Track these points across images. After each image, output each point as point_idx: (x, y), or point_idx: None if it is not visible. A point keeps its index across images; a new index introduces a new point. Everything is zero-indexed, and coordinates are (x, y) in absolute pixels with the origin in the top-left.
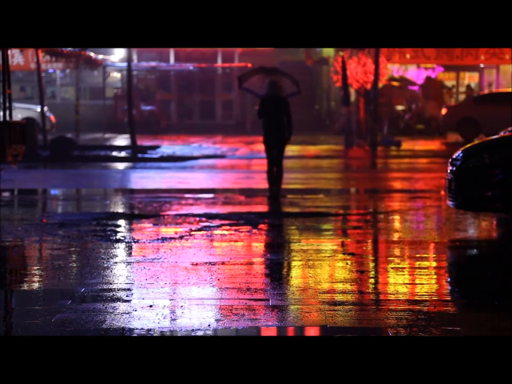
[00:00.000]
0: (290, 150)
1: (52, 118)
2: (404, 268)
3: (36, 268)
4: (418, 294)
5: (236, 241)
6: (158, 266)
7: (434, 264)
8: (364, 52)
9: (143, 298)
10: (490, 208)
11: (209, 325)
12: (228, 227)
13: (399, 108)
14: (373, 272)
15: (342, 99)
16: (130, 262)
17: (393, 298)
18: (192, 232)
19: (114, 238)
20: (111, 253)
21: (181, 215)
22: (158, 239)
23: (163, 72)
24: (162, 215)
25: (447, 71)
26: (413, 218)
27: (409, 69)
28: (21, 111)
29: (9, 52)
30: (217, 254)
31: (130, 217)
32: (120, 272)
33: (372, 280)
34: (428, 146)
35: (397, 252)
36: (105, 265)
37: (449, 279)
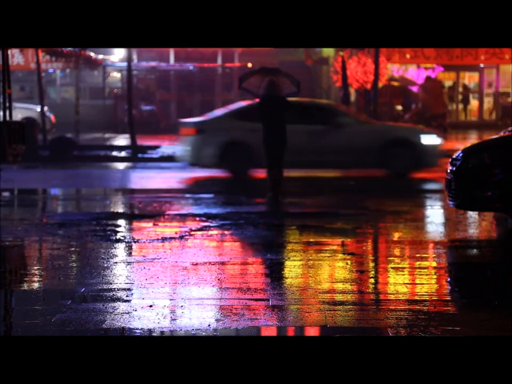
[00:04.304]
0: None
1: (52, 117)
2: (404, 267)
3: (35, 267)
4: (418, 294)
5: (236, 241)
6: (158, 266)
7: (434, 264)
8: (363, 52)
9: (143, 298)
10: (490, 208)
11: (209, 325)
12: (228, 227)
13: (399, 107)
14: (373, 272)
15: (342, 99)
16: (130, 262)
17: (393, 298)
18: (192, 232)
19: (114, 238)
20: (111, 253)
21: (181, 215)
22: (158, 239)
23: (163, 72)
24: (162, 215)
25: (447, 71)
26: (413, 218)
27: (409, 69)
28: (21, 111)
29: (9, 51)
30: (217, 254)
31: (130, 217)
32: (120, 272)
33: (372, 280)
34: None
35: (397, 252)
36: (105, 265)
37: (449, 279)
